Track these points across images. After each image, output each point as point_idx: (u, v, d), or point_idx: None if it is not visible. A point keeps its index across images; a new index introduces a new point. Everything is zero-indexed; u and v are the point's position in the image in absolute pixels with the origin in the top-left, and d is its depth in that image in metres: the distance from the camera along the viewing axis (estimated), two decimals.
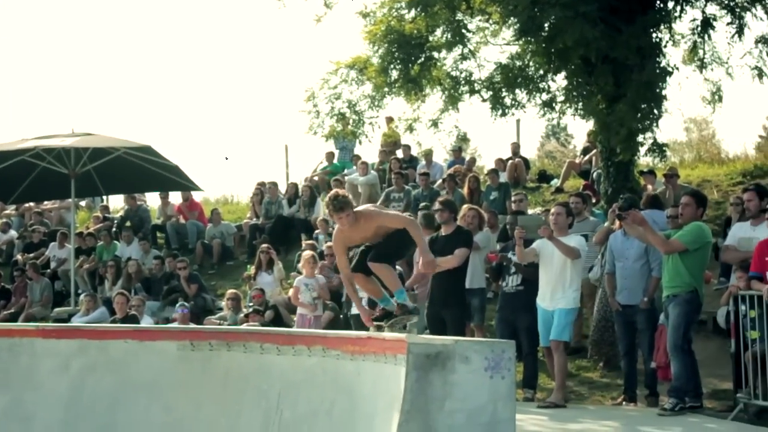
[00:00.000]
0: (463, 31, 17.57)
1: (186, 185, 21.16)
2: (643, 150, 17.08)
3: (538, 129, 56.86)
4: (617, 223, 13.08)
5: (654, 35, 16.48)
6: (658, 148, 16.67)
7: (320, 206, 22.57)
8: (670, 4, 16.89)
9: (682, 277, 11.56)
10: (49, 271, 22.19)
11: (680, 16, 17.11)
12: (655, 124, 16.25)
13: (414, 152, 24.63)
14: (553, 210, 13.34)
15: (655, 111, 16.11)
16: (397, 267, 12.48)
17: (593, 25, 15.22)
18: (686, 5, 16.99)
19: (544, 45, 16.35)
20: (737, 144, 68.50)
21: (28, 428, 10.49)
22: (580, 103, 16.80)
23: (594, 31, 15.17)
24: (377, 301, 9.74)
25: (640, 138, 16.59)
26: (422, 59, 17.65)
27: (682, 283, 11.56)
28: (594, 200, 18.22)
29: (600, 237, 14.18)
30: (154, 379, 10.28)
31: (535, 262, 12.92)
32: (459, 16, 17.54)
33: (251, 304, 17.45)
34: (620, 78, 15.98)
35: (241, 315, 17.14)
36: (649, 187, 18.47)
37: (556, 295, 12.60)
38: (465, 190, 20.41)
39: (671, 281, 11.67)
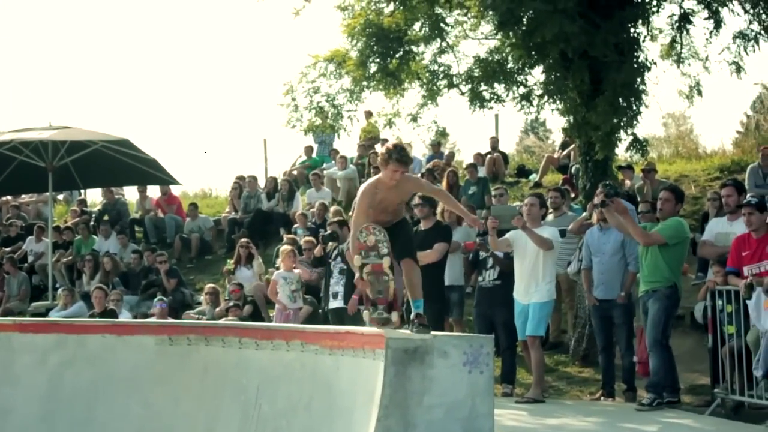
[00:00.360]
0: (442, 24, 17.55)
1: (164, 179, 21.09)
2: (622, 147, 17.11)
3: (516, 124, 56.99)
4: (595, 216, 13.10)
5: (632, 30, 16.48)
6: (639, 144, 16.68)
7: (299, 200, 22.56)
8: None
9: (661, 271, 11.58)
10: (26, 265, 22.08)
11: (658, 11, 17.13)
12: (635, 121, 16.25)
13: None
14: (526, 201, 13.32)
15: (634, 107, 16.11)
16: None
17: (572, 21, 15.22)
18: (663, 0, 17.01)
19: (522, 39, 16.33)
20: (715, 139, 68.52)
21: (5, 423, 10.47)
22: (557, 99, 16.79)
23: (573, 26, 15.16)
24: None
25: (619, 135, 16.61)
26: (401, 53, 17.63)
27: (661, 278, 11.58)
28: (572, 195, 18.26)
29: (576, 226, 14.20)
30: (133, 374, 10.28)
31: (511, 254, 12.91)
32: (437, 9, 17.52)
33: (228, 298, 17.41)
34: (598, 75, 15.98)
35: (218, 309, 17.10)
36: (627, 182, 18.54)
37: (530, 289, 12.58)
38: (444, 185, 20.38)
39: (650, 276, 11.68)
